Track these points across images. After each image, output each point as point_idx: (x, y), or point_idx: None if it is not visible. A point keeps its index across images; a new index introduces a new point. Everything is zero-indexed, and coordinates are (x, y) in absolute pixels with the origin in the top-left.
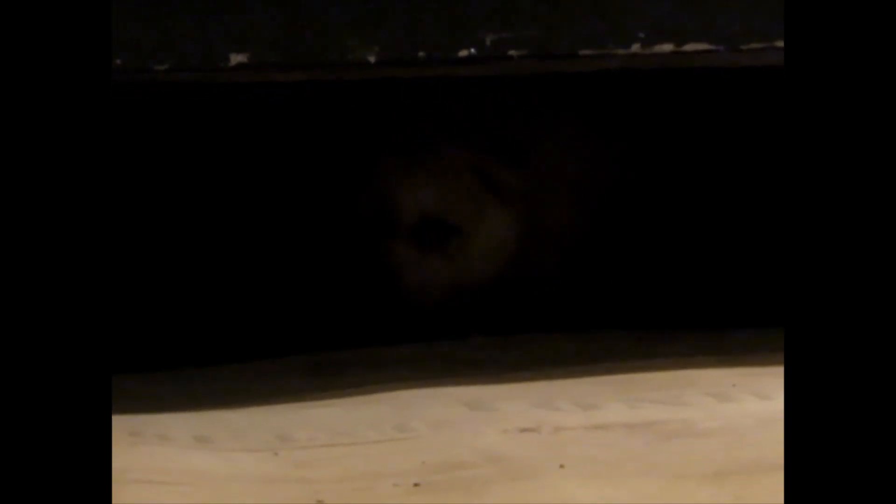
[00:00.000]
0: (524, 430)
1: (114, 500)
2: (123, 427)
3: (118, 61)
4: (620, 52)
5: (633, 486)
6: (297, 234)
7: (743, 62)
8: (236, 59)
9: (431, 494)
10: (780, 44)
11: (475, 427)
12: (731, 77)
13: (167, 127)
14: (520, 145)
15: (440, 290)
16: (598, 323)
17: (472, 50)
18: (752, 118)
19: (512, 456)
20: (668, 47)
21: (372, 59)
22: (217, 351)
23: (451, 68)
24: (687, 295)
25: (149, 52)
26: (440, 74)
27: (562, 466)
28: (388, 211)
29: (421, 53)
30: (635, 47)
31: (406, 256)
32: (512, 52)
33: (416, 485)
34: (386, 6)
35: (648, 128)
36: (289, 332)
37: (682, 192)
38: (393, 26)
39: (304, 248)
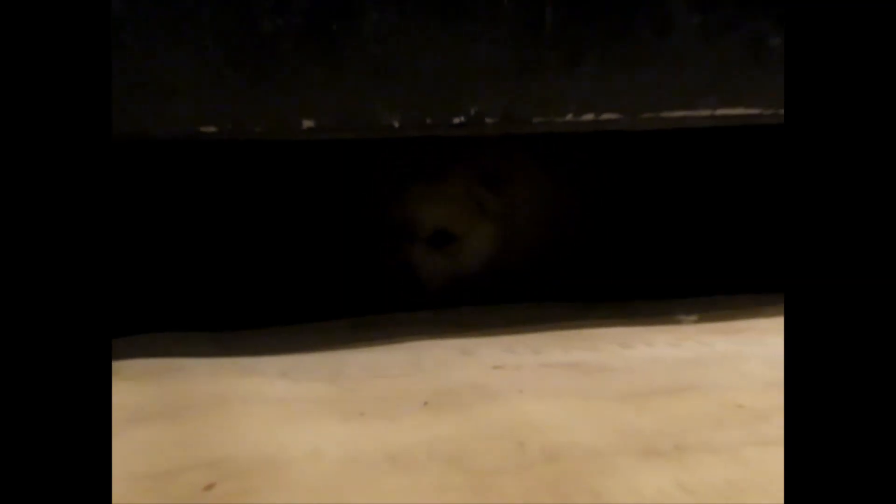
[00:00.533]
0: (496, 367)
1: (228, 416)
2: (232, 367)
3: (228, 125)
4: (559, 119)
5: (567, 404)
6: (347, 238)
7: (639, 126)
8: (307, 123)
9: (435, 409)
10: (677, 113)
11: (464, 366)
12: (639, 135)
13: (263, 162)
14: (499, 181)
15: (443, 277)
16: (547, 297)
17: (462, 118)
18: (657, 162)
19: (488, 385)
20: (589, 116)
21: (396, 124)
22: (294, 315)
23: (449, 130)
24: (605, 279)
25: (248, 118)
26: (441, 134)
27: (520, 391)
28: (410, 224)
29: (428, 120)
30: (569, 116)
31: (421, 255)
32: (487, 120)
33: (425, 403)
34: (404, 87)
35: (585, 170)
36: (341, 304)
37: (607, 213)
38: (409, 101)
39: (352, 246)
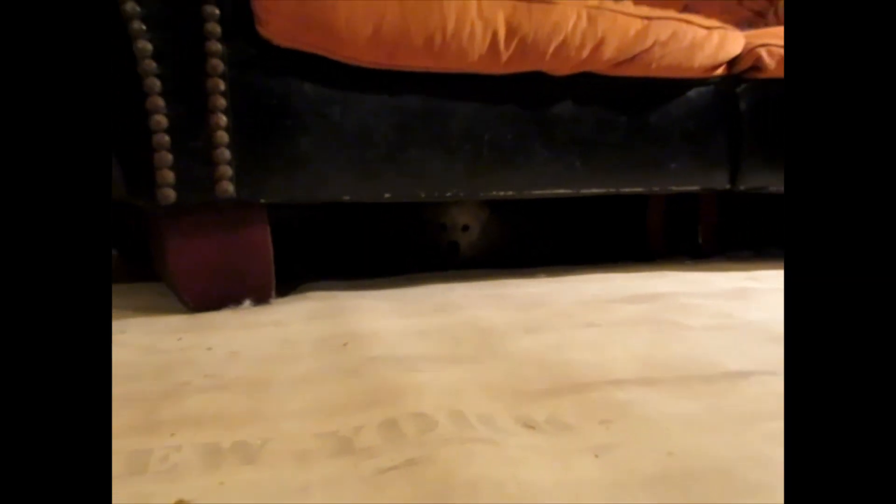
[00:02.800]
0: (464, 296)
1: (354, 314)
2: (357, 294)
3: (356, 196)
4: (501, 194)
5: (493, 311)
6: (412, 230)
7: (524, 197)
8: (387, 196)
9: (439, 312)
10: (538, 191)
11: (453, 294)
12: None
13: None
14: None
15: (461, 250)
16: (498, 266)
17: (449, 194)
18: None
19: (460, 303)
20: (511, 193)
21: (423, 195)
22: (389, 272)
23: (445, 197)
24: (520, 258)
25: (364, 194)
26: (441, 200)
27: (474, 306)
28: (443, 221)
29: (436, 194)
30: (492, 193)
31: (449, 237)
32: (460, 193)
33: (434, 309)
34: (426, 183)
35: (506, 209)
36: (411, 266)
37: (520, 227)
38: (428, 187)
39: (413, 234)
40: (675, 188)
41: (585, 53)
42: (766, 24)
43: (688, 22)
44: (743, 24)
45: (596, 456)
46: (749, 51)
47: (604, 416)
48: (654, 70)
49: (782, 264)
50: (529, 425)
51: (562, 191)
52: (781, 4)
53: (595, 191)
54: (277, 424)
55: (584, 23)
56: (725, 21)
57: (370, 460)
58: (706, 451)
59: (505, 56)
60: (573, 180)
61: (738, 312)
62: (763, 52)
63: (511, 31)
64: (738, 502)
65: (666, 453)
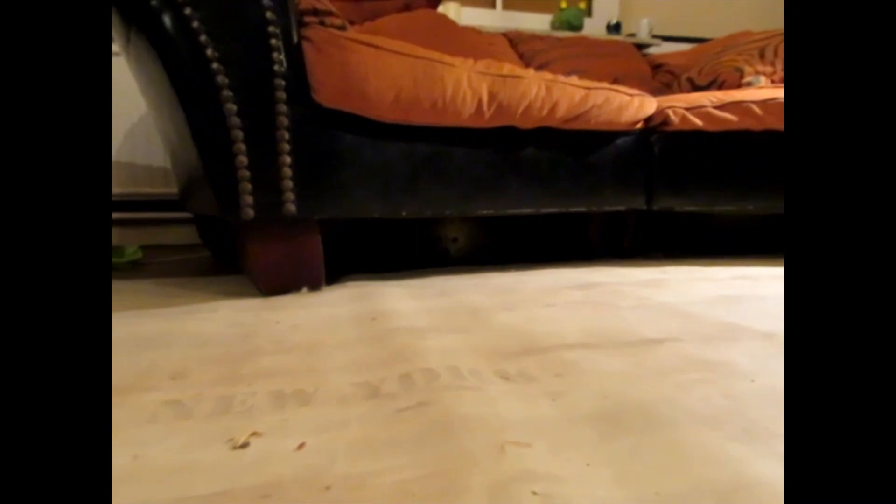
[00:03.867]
0: (459, 284)
1: (381, 298)
2: (383, 284)
3: (404, 213)
4: (484, 212)
5: (480, 296)
6: (421, 239)
7: (501, 214)
8: (405, 213)
9: (441, 296)
10: (513, 210)
11: (450, 284)
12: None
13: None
14: (469, 221)
15: (452, 255)
16: (481, 263)
17: (438, 212)
18: (508, 223)
19: (457, 289)
20: (491, 212)
21: (429, 213)
22: (404, 268)
23: (444, 215)
24: (498, 257)
25: (387, 212)
26: (442, 217)
27: (465, 291)
28: (440, 234)
29: (434, 213)
30: (479, 212)
31: (443, 245)
32: (455, 212)
33: (438, 294)
34: (431, 205)
35: (489, 223)
36: (418, 263)
37: (496, 235)
38: (431, 208)
39: (423, 242)
40: (608, 208)
41: (544, 113)
42: (672, 93)
43: (616, 91)
44: (656, 92)
45: (552, 399)
46: (660, 111)
47: (558, 370)
48: (593, 125)
49: (685, 263)
50: (505, 377)
51: (527, 210)
52: (684, 78)
53: (551, 210)
54: (325, 377)
55: (543, 91)
56: (643, 90)
57: (391, 402)
58: (631, 396)
59: (487, 115)
60: (536, 203)
61: (654, 296)
62: (670, 112)
63: (492, 97)
64: (654, 431)
65: (602, 397)
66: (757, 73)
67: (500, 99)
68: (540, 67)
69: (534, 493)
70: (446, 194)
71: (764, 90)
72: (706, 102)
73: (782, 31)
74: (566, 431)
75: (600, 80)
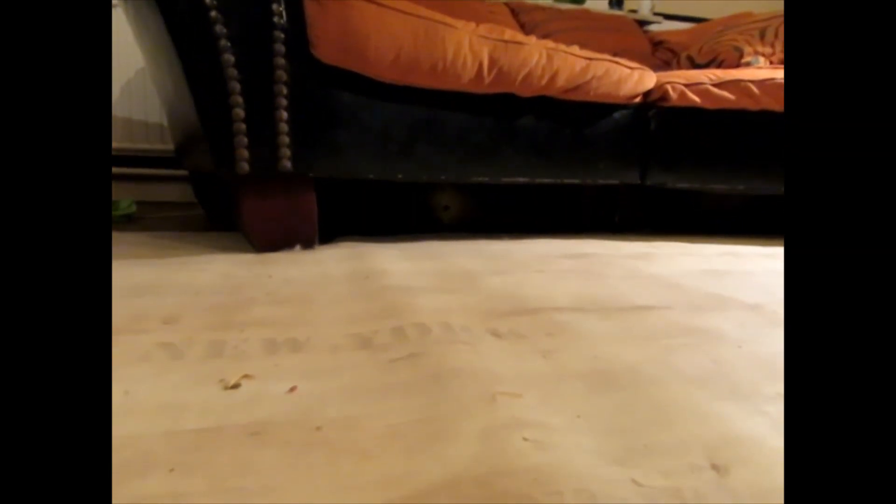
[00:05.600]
0: (450, 249)
1: (374, 258)
2: (377, 246)
3: (379, 175)
4: (479, 179)
5: (471, 261)
6: (417, 206)
7: (496, 182)
8: (399, 176)
9: (433, 259)
10: (507, 179)
11: (444, 248)
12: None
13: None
14: (462, 189)
15: (447, 221)
16: (472, 231)
17: (434, 177)
18: (499, 191)
19: (446, 253)
20: (486, 179)
21: (425, 178)
22: (399, 232)
23: (441, 180)
24: (486, 227)
25: (384, 173)
26: (441, 181)
27: (457, 255)
28: (433, 201)
29: (430, 177)
30: (471, 179)
31: (438, 213)
32: (451, 177)
33: (430, 257)
34: (429, 169)
35: (481, 191)
36: (413, 228)
37: (487, 205)
38: (428, 173)
39: (419, 209)
40: (602, 181)
41: (544, 81)
42: (671, 70)
43: (617, 63)
44: (655, 69)
45: (543, 356)
46: (659, 86)
47: (549, 330)
48: (592, 96)
49: (674, 239)
50: (496, 334)
51: (522, 179)
52: (683, 56)
53: (546, 180)
54: (318, 328)
55: (544, 59)
56: (643, 65)
57: (383, 353)
58: (620, 356)
59: (487, 80)
60: (530, 172)
61: (643, 268)
62: (669, 88)
63: (492, 62)
64: (643, 388)
65: (592, 357)
66: (756, 53)
67: (500, 64)
68: (543, 38)
69: (524, 440)
70: (443, 159)
71: (763, 70)
72: (705, 80)
73: (783, 12)
74: (557, 385)
75: (601, 53)
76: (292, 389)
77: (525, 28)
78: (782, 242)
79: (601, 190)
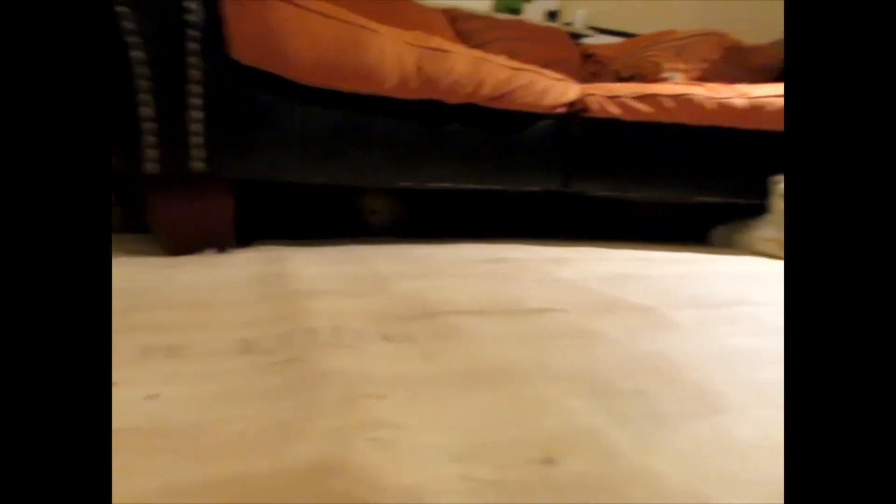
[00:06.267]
0: (371, 254)
1: (291, 261)
2: (296, 250)
3: (306, 179)
4: (405, 184)
5: (396, 264)
6: (345, 210)
7: (419, 187)
8: (321, 179)
9: (353, 263)
10: (434, 184)
11: (368, 251)
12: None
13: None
14: (389, 194)
15: (376, 225)
16: (399, 235)
17: (356, 181)
18: (426, 195)
19: (368, 257)
20: (412, 184)
21: (347, 181)
22: (324, 237)
23: (368, 185)
24: (435, 229)
25: (311, 177)
26: (367, 186)
27: (379, 259)
28: (362, 205)
29: (346, 180)
30: (411, 184)
31: (366, 217)
32: (375, 182)
33: (352, 262)
34: (357, 175)
35: (405, 195)
36: (339, 233)
37: (415, 207)
38: (355, 177)
39: (348, 213)
40: (526, 188)
41: (470, 89)
42: (599, 82)
43: (541, 74)
44: (584, 80)
45: (425, 359)
46: (581, 97)
47: (441, 333)
48: (517, 105)
49: (595, 244)
50: (387, 338)
51: (447, 184)
52: (610, 69)
53: (471, 186)
54: (204, 332)
55: (470, 68)
56: (573, 78)
57: (264, 358)
58: (500, 357)
59: (413, 86)
60: (456, 178)
61: (555, 272)
62: (590, 99)
63: (418, 69)
64: (510, 387)
65: (473, 358)
66: (674, 70)
67: (426, 71)
68: (476, 47)
69: (371, 440)
70: (366, 164)
71: (678, 86)
72: (624, 92)
73: (702, 31)
74: (427, 387)
75: (534, 64)
76: (153, 397)
77: (461, 36)
78: (696, 248)
79: (528, 196)
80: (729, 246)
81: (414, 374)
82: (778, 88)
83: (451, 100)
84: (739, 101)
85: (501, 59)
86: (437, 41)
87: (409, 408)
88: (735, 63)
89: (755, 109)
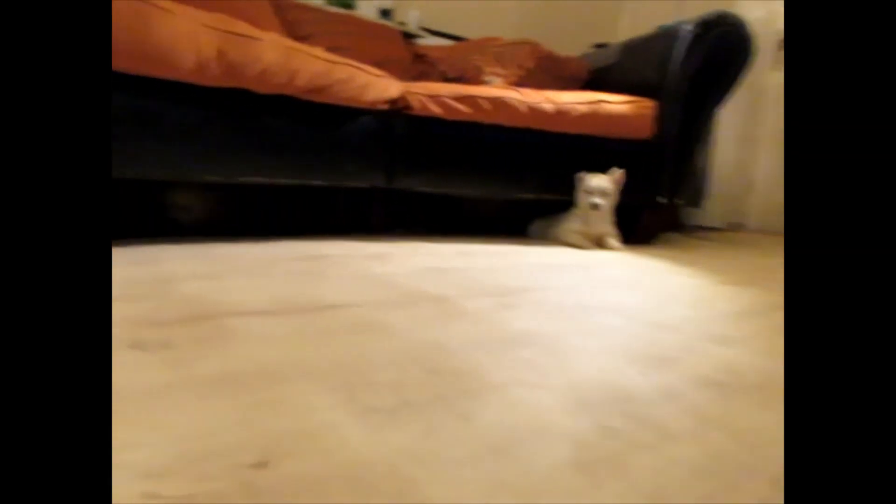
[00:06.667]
0: (179, 254)
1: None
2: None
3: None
4: (211, 178)
5: (199, 267)
6: (156, 207)
7: (239, 182)
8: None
9: (133, 284)
10: (255, 178)
11: (173, 253)
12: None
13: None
14: (197, 198)
15: (188, 223)
16: (214, 235)
17: (153, 174)
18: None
19: (172, 269)
20: (219, 178)
21: (135, 174)
22: (120, 235)
23: (155, 178)
24: (259, 227)
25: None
26: (147, 178)
27: (174, 260)
28: (171, 201)
29: (135, 173)
30: (219, 179)
31: (176, 215)
32: (176, 176)
33: (140, 263)
34: (139, 160)
35: (232, 194)
36: (150, 232)
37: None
38: (130, 163)
39: (150, 209)
40: (350, 184)
41: (283, 80)
42: (429, 80)
43: (361, 69)
44: (414, 79)
45: (175, 366)
46: (403, 95)
47: (209, 337)
48: (337, 99)
49: (424, 239)
50: (140, 346)
51: (261, 180)
52: (438, 70)
53: (290, 181)
54: None
55: (282, 58)
56: (403, 77)
57: None
58: (266, 358)
59: (215, 73)
60: (272, 173)
61: (371, 268)
62: (412, 97)
63: (221, 55)
64: (264, 389)
65: (236, 361)
66: (494, 73)
67: (231, 58)
68: (303, 39)
69: None
70: (162, 155)
71: (496, 89)
72: (444, 93)
73: (519, 40)
74: (159, 398)
75: (363, 60)
76: None
77: (288, 27)
78: (517, 241)
79: (358, 192)
80: (544, 238)
81: (154, 384)
82: (580, 96)
83: (262, 90)
84: (548, 106)
85: (317, 51)
86: (242, 27)
87: (121, 423)
88: (547, 71)
89: (561, 114)
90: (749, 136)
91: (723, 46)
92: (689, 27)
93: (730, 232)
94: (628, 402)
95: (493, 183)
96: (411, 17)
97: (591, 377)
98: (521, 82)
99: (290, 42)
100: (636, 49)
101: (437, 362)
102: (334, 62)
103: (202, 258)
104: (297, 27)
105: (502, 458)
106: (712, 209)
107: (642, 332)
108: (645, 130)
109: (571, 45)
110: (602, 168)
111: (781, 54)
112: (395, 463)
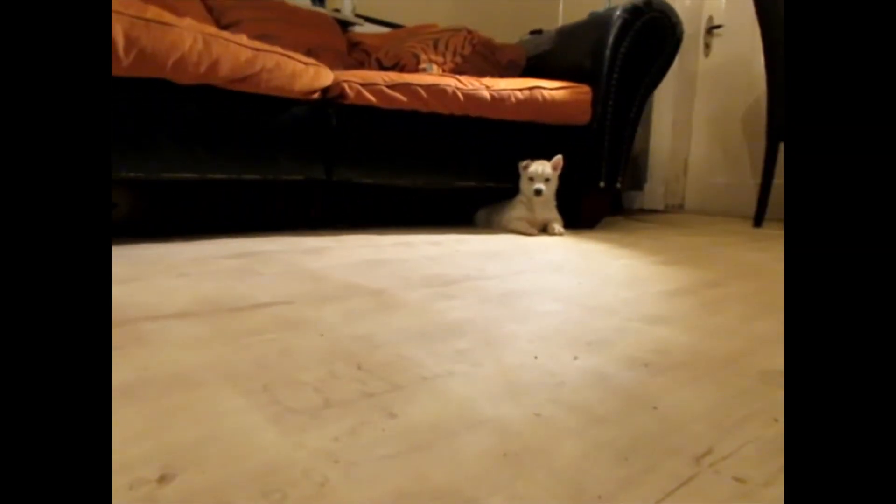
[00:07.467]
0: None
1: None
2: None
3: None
4: (132, 175)
5: (122, 270)
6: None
7: (164, 178)
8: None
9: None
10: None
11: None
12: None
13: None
14: (132, 190)
15: (115, 221)
16: (141, 234)
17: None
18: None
19: (123, 256)
20: (142, 175)
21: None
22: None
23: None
24: (195, 225)
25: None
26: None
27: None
28: None
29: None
30: (141, 175)
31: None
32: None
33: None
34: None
35: (164, 192)
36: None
37: (185, 200)
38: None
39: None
40: (286, 177)
41: (203, 69)
42: (365, 69)
43: (289, 57)
44: (350, 67)
45: None
46: (337, 83)
47: (116, 345)
48: (264, 89)
49: (366, 232)
50: None
51: (189, 175)
52: (374, 58)
53: (219, 176)
54: None
55: (200, 45)
56: (338, 65)
57: None
58: (181, 363)
59: (126, 62)
60: (200, 168)
61: (307, 263)
62: (346, 86)
63: (130, 42)
64: (175, 394)
65: (145, 367)
66: (430, 61)
67: (142, 45)
68: (228, 26)
69: None
70: None
71: (432, 76)
72: (380, 81)
73: (455, 27)
74: None
75: (295, 49)
76: None
77: (213, 13)
78: (461, 230)
79: (296, 186)
80: (489, 226)
81: None
82: (517, 83)
83: (182, 80)
84: (485, 93)
85: (241, 38)
86: (154, 11)
87: None
88: (485, 58)
89: (499, 101)
90: (683, 121)
91: (651, 32)
92: (619, 13)
93: (669, 213)
94: (559, 388)
95: (435, 172)
96: (346, 5)
97: (523, 364)
98: (458, 69)
99: (210, 28)
100: (570, 35)
101: (366, 358)
102: (259, 49)
103: (125, 260)
104: (222, 15)
105: (427, 453)
106: (652, 192)
107: (579, 315)
108: (583, 116)
109: (511, 31)
110: (545, 155)
111: (710, 40)
112: (310, 466)
